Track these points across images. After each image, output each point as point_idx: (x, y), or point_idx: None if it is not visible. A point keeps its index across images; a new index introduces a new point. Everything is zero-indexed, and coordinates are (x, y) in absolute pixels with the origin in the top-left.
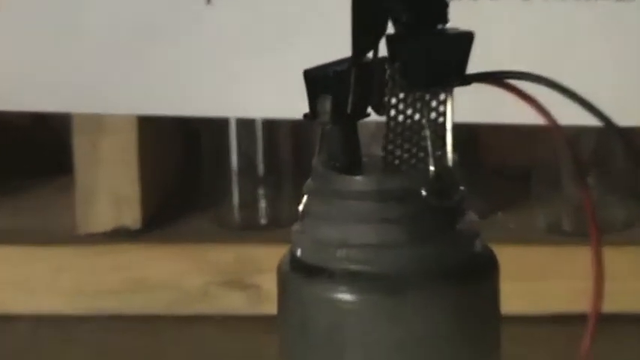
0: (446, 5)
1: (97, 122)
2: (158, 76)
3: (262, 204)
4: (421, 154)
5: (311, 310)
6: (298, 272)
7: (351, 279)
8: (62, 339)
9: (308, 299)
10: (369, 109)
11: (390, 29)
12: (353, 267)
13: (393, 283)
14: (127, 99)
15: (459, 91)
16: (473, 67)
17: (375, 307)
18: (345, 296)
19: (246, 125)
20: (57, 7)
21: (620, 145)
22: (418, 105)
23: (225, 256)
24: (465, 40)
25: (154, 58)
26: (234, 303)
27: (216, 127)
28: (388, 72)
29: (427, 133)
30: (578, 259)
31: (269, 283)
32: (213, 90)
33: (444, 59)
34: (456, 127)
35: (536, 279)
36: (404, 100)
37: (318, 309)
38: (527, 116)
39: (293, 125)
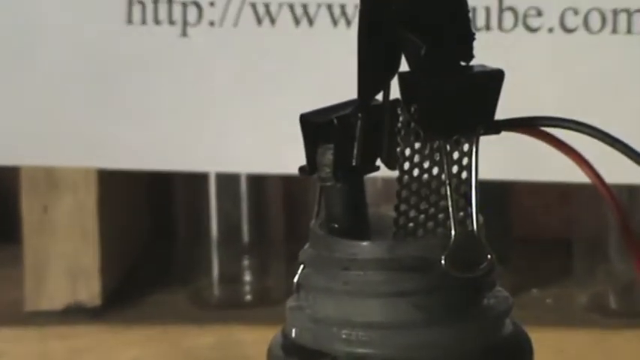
0: (472, 38)
1: (49, 179)
2: (123, 123)
3: (247, 277)
4: (440, 216)
5: None
6: (293, 357)
7: None
8: None
9: None
10: (378, 162)
11: (404, 66)
12: (359, 351)
13: None
14: (84, 149)
15: (486, 141)
16: (502, 112)
17: None
18: None
19: (228, 182)
20: (5, 40)
21: None
22: (437, 157)
23: (203, 340)
24: (494, 79)
25: (118, 100)
26: None
27: (193, 184)
28: (401, 117)
29: (448, 190)
30: (627, 344)
31: None
32: (189, 140)
33: (469, 102)
34: (483, 184)
35: None
36: (420, 151)
37: None
38: (567, 172)
39: (284, 182)
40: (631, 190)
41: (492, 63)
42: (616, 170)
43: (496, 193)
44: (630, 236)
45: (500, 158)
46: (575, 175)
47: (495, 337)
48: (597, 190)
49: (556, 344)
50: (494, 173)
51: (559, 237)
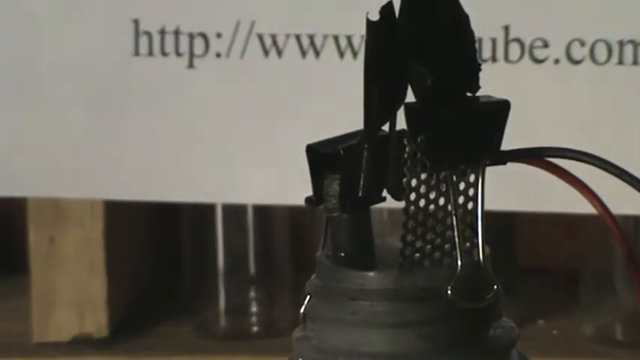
0: (478, 69)
1: (56, 210)
2: (129, 154)
3: (254, 308)
4: (447, 247)
5: None
6: None
7: None
8: None
9: None
10: (385, 193)
11: (411, 97)
12: None
13: None
14: (91, 181)
15: (492, 172)
16: (508, 144)
17: None
18: None
19: (234, 213)
20: (11, 71)
21: None
22: (443, 187)
23: None
24: (500, 110)
25: (124, 131)
26: None
27: (199, 215)
28: (408, 148)
29: (454, 221)
30: None
31: None
32: (196, 171)
33: (475, 133)
34: (489, 215)
35: None
36: (426, 182)
37: None
38: (573, 204)
39: (291, 212)
40: (637, 221)
41: (498, 94)
42: (622, 201)
43: (502, 224)
44: (636, 267)
45: (506, 189)
46: (582, 206)
47: None
48: (603, 221)
49: None
50: (501, 204)
51: (565, 268)
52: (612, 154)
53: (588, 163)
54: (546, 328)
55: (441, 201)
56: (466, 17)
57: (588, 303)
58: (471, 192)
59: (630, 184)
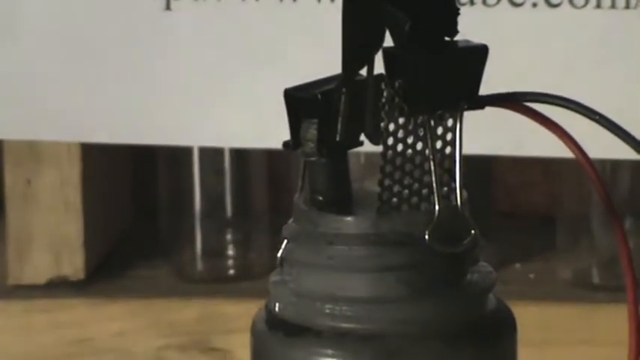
0: (456, 13)
1: (32, 152)
2: (106, 97)
3: (231, 251)
4: (424, 191)
5: None
6: (277, 332)
7: (341, 340)
8: None
9: None
10: (362, 137)
11: (388, 41)
12: (343, 325)
13: (390, 345)
14: (68, 124)
15: (470, 117)
16: (487, 88)
17: None
18: None
19: (211, 157)
20: None
21: None
22: (421, 132)
23: (186, 313)
24: (478, 54)
25: (101, 74)
26: None
27: (176, 158)
28: (385, 92)
29: (431, 166)
30: (611, 319)
31: (240, 347)
32: (173, 114)
33: (453, 78)
34: (467, 159)
35: (561, 343)
36: (404, 127)
37: None
38: (550, 148)
39: (268, 156)
40: (614, 165)
41: (476, 38)
42: (599, 145)
43: (480, 168)
44: (613, 212)
45: (483, 133)
46: (559, 150)
47: (479, 312)
48: (580, 165)
49: (539, 319)
50: (478, 148)
51: (542, 212)
52: (590, 99)
53: (566, 107)
54: (523, 271)
55: (419, 145)
56: None
57: (565, 247)
58: (449, 137)
59: (607, 128)
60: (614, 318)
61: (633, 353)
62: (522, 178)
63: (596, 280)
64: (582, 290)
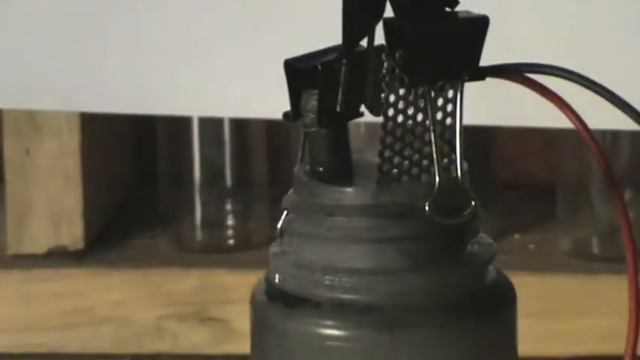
0: None
1: (32, 122)
2: (106, 67)
3: (230, 221)
4: (424, 163)
5: (292, 349)
6: (276, 302)
7: (341, 311)
8: None
9: (289, 335)
10: (363, 108)
11: (389, 12)
12: (343, 297)
13: (390, 316)
14: (67, 93)
15: (470, 88)
16: (487, 59)
17: (368, 346)
18: (333, 332)
19: (211, 127)
20: None
21: None
22: (421, 103)
23: (185, 283)
24: (479, 25)
25: (100, 43)
26: (195, 340)
27: (176, 129)
28: (386, 64)
29: (432, 137)
30: (610, 290)
31: (239, 316)
32: (173, 84)
33: (454, 49)
34: (467, 130)
35: (560, 314)
36: (404, 98)
37: (301, 347)
38: (551, 119)
39: (268, 127)
40: (614, 136)
41: (477, 9)
42: (599, 116)
43: (480, 139)
44: (613, 182)
45: (483, 104)
46: (559, 121)
47: (479, 283)
48: (580, 135)
49: (538, 289)
50: (478, 119)
51: (542, 182)
52: (591, 70)
53: (567, 79)
54: (523, 242)
55: (419, 117)
56: None
57: (565, 217)
58: (450, 108)
59: (608, 99)
60: (613, 288)
61: (633, 323)
62: (522, 149)
63: (595, 250)
64: (582, 261)
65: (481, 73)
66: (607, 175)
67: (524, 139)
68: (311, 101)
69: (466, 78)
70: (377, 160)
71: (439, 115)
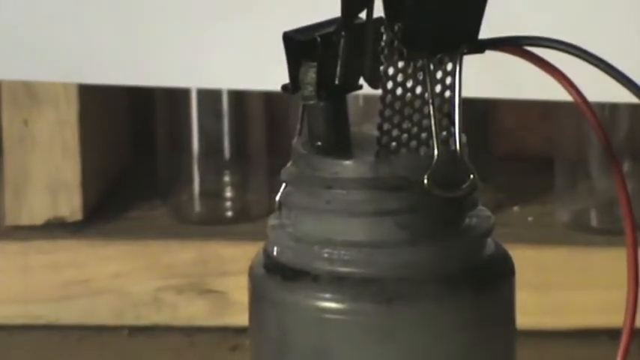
0: None
1: (30, 93)
2: (104, 38)
3: (228, 193)
4: (423, 135)
5: (290, 321)
6: (275, 275)
7: (339, 284)
8: None
9: (287, 308)
10: (361, 81)
11: None
12: (341, 269)
13: (388, 289)
14: (65, 65)
15: (469, 60)
16: (487, 32)
17: (366, 318)
18: (331, 304)
19: (209, 98)
20: None
21: None
22: (420, 76)
23: (183, 255)
24: None
25: (99, 15)
26: (194, 312)
27: (174, 100)
28: (385, 36)
29: (431, 109)
30: (608, 262)
31: (236, 289)
32: (171, 55)
33: (453, 21)
34: (466, 103)
35: (559, 286)
36: (403, 70)
37: (299, 320)
38: (549, 91)
39: (267, 98)
40: (612, 108)
41: None
42: (597, 88)
43: (478, 111)
44: (612, 155)
45: (481, 76)
46: (558, 93)
47: (477, 256)
48: (579, 108)
49: (537, 262)
50: (477, 92)
51: (541, 155)
52: (589, 43)
53: (565, 51)
54: (521, 214)
55: (418, 89)
56: None
57: (564, 190)
58: (449, 80)
59: (606, 72)
60: (612, 261)
61: (631, 296)
62: (521, 121)
63: (594, 222)
64: (580, 233)
65: (480, 46)
66: (606, 147)
67: (523, 111)
68: (310, 74)
69: (465, 51)
70: (376, 132)
71: (438, 88)
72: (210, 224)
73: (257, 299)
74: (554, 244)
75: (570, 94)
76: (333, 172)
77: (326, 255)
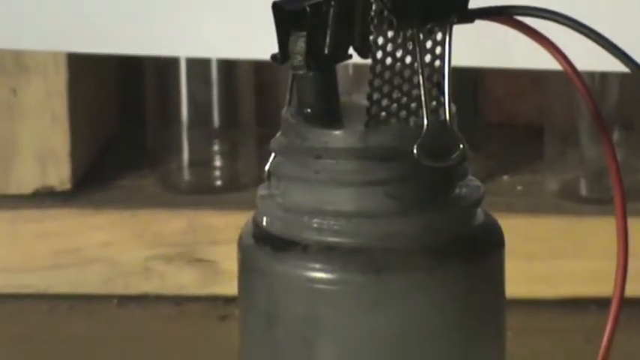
0: None
1: (18, 62)
2: (93, 6)
3: (217, 162)
4: (413, 105)
5: (279, 291)
6: (264, 245)
7: (328, 254)
8: None
9: (276, 278)
10: (351, 50)
11: None
12: (330, 240)
13: (377, 259)
14: (55, 33)
15: (459, 30)
16: (477, 1)
17: (355, 288)
18: (321, 275)
19: (198, 67)
20: None
21: None
22: (410, 46)
23: (172, 224)
24: None
25: None
26: (183, 281)
27: (163, 69)
28: (374, 5)
29: (420, 79)
30: (598, 231)
31: (226, 258)
32: (160, 23)
33: None
34: (455, 72)
35: (548, 256)
36: (393, 40)
37: (288, 290)
38: (539, 60)
39: (256, 67)
40: (602, 77)
41: None
42: (587, 58)
43: (468, 80)
44: (602, 123)
45: (471, 45)
46: (548, 63)
47: (467, 226)
48: (569, 77)
49: (526, 231)
50: (467, 60)
51: (530, 124)
52: (579, 12)
53: (555, 21)
54: (511, 183)
55: (408, 59)
56: None
57: (554, 158)
58: (438, 50)
59: (595, 41)
60: (601, 230)
61: (621, 265)
62: (510, 90)
63: (584, 192)
64: (570, 202)
65: (470, 16)
66: (595, 116)
67: (513, 80)
68: (299, 43)
69: (455, 20)
70: (365, 102)
71: (428, 58)
72: (200, 193)
73: (246, 269)
74: (543, 213)
75: (560, 63)
76: (322, 142)
77: (315, 225)
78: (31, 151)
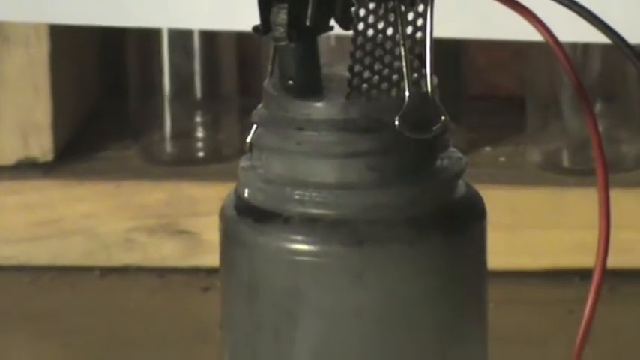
0: None
1: (1, 34)
2: None
3: (200, 133)
4: (394, 77)
5: (261, 263)
6: (246, 217)
7: (310, 226)
8: None
9: (258, 250)
10: (333, 22)
11: None
12: (312, 211)
13: (359, 231)
14: (37, 4)
15: (440, 2)
16: None
17: (337, 260)
18: (302, 246)
19: (180, 38)
20: None
21: (632, 68)
22: (392, 17)
23: (154, 195)
24: None
25: None
26: (165, 253)
27: (145, 40)
28: None
29: (402, 51)
30: (580, 202)
31: (208, 230)
32: None
33: None
34: (437, 42)
35: (530, 227)
36: (375, 12)
37: (270, 261)
38: (520, 31)
39: (238, 38)
40: (584, 49)
41: None
42: (569, 29)
43: (450, 51)
44: (583, 95)
45: (454, 17)
46: (529, 34)
47: (448, 198)
48: (551, 49)
49: (509, 202)
50: (449, 33)
51: (512, 95)
52: None
53: None
54: (493, 155)
55: (390, 31)
56: None
57: (535, 130)
58: (420, 22)
59: (577, 12)
60: (583, 202)
61: (603, 236)
62: (492, 61)
63: (565, 163)
64: (552, 174)
65: None
66: (577, 87)
67: (494, 51)
68: (281, 15)
69: None
70: (347, 74)
71: (409, 30)
72: (182, 165)
73: (228, 241)
74: (525, 185)
75: (542, 34)
76: (304, 114)
77: (297, 197)
78: (13, 123)
